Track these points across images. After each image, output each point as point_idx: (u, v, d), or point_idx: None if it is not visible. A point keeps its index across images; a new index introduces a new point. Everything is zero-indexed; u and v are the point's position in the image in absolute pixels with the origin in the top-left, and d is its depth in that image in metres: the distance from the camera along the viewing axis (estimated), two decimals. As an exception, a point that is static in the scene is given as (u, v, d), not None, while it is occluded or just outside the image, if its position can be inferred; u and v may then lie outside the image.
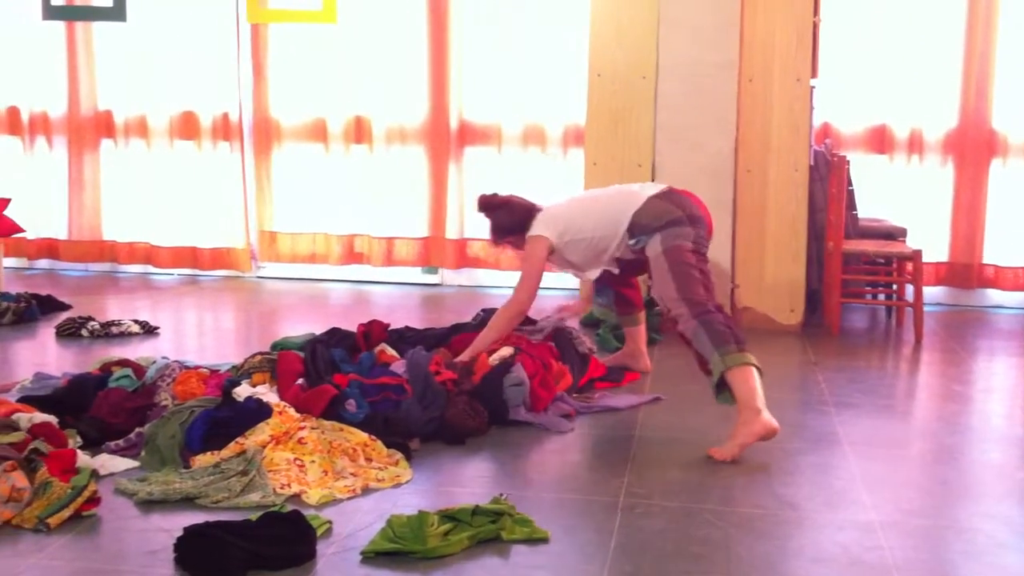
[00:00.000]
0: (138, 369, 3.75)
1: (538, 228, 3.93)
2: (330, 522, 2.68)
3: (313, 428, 3.21)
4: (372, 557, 2.51)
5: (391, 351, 3.92)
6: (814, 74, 5.17)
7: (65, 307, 5.40)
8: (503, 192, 4.15)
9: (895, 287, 5.59)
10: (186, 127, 6.37)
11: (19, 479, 2.75)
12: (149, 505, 2.82)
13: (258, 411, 3.24)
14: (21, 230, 5.98)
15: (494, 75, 6.12)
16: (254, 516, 2.63)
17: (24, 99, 6.50)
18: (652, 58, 5.13)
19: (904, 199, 5.94)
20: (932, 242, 5.84)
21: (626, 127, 5.23)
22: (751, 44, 5.10)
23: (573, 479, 3.15)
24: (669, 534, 2.67)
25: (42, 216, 6.54)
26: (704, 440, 3.40)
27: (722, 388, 3.36)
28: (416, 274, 6.38)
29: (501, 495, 2.77)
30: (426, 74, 6.13)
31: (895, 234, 5.55)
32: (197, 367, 3.80)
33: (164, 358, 3.88)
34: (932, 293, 5.93)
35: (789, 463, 3.26)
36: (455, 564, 2.48)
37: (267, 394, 3.41)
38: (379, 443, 3.22)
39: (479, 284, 6.27)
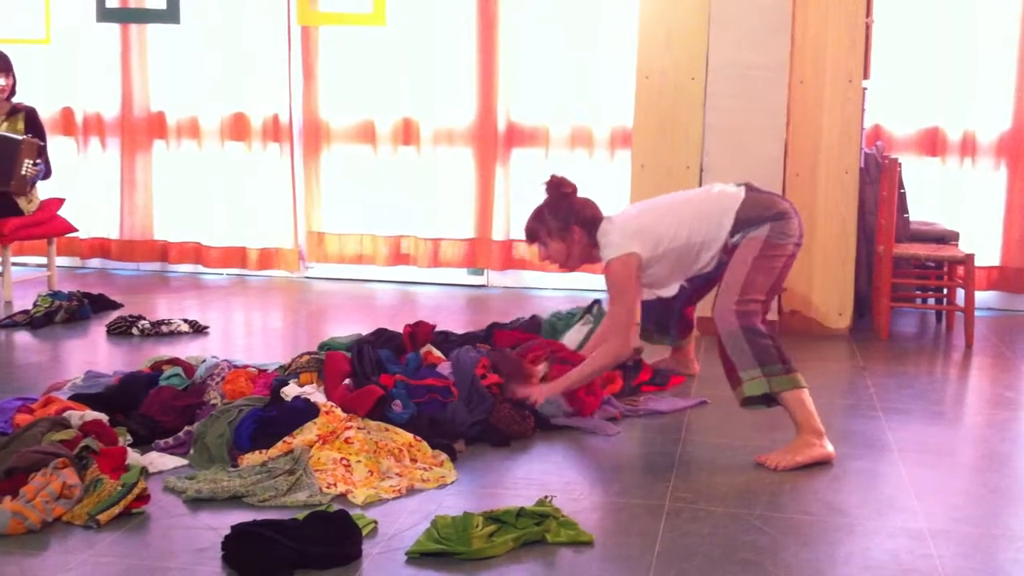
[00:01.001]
0: (188, 368, 3.79)
1: (625, 244, 3.47)
2: (375, 522, 2.69)
3: (359, 428, 3.22)
4: (417, 558, 2.52)
5: (437, 352, 3.93)
6: (866, 75, 5.11)
7: (116, 306, 5.48)
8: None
9: (946, 291, 5.52)
10: (237, 128, 6.43)
11: (70, 476, 2.79)
12: (197, 503, 2.85)
13: (305, 411, 3.26)
14: (74, 229, 6.09)
15: (542, 77, 6.12)
16: (301, 515, 2.65)
17: (78, 100, 6.60)
18: (701, 60, 5.10)
19: (956, 202, 5.86)
20: (984, 246, 5.75)
21: (674, 129, 5.20)
22: (802, 45, 5.06)
23: (619, 482, 3.14)
24: (715, 539, 2.65)
25: (95, 216, 6.63)
26: (751, 445, 3.37)
27: (753, 403, 3.29)
28: (462, 275, 6.40)
29: (546, 497, 2.77)
30: (474, 76, 6.15)
31: (947, 238, 5.48)
32: (246, 367, 3.84)
33: (214, 357, 3.93)
34: (983, 298, 5.84)
35: (837, 469, 3.22)
36: (499, 566, 2.48)
37: (314, 394, 3.43)
38: (424, 444, 3.23)
39: (525, 286, 6.27)
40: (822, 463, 3.24)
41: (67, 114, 6.63)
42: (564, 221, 3.58)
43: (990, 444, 3.54)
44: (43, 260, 6.11)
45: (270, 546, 2.49)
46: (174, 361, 3.87)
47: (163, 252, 6.62)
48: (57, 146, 6.47)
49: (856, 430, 3.63)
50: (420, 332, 4.12)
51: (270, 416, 3.26)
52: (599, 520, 2.75)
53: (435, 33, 6.15)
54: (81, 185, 6.61)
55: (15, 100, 5.84)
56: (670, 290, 3.68)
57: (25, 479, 2.80)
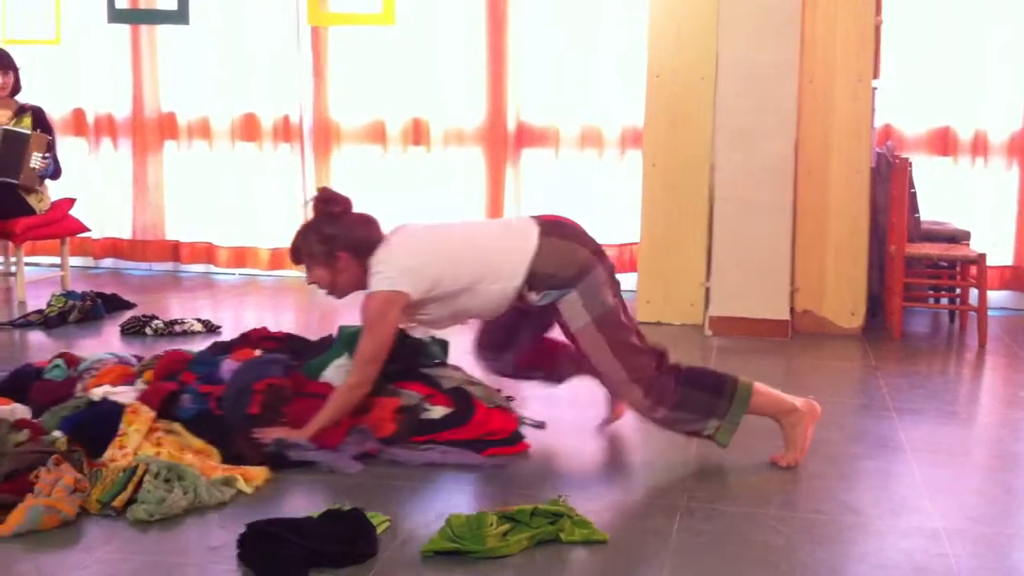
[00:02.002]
0: (72, 360, 3.77)
1: (395, 280, 3.04)
2: (389, 520, 2.70)
3: (167, 430, 3.16)
4: (431, 556, 2.52)
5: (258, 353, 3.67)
6: (876, 75, 5.11)
7: (130, 305, 5.49)
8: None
9: (958, 291, 5.51)
10: (247, 129, 6.45)
11: (72, 471, 2.81)
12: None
13: (110, 412, 3.18)
14: (86, 229, 6.11)
15: (551, 76, 6.12)
16: (315, 514, 2.66)
17: (90, 101, 6.62)
18: (711, 59, 5.10)
19: (967, 202, 5.85)
20: (996, 245, 5.74)
21: (685, 128, 5.20)
22: (812, 44, 5.05)
23: (633, 482, 3.14)
24: (730, 539, 2.65)
25: (107, 216, 6.65)
26: (765, 444, 3.37)
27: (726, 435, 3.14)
28: (473, 275, 6.40)
29: (560, 496, 2.77)
30: (484, 75, 6.15)
31: (958, 237, 5.47)
32: (127, 362, 3.78)
33: (110, 354, 3.85)
34: (996, 297, 5.83)
35: (851, 468, 3.22)
36: (514, 565, 2.49)
37: (123, 393, 3.35)
38: (215, 450, 3.11)
39: (535, 285, 6.27)
40: (818, 419, 3.22)
41: (78, 115, 6.65)
42: (329, 246, 3.15)
43: (1004, 444, 3.53)
44: (56, 260, 6.14)
45: (285, 545, 2.49)
46: (62, 354, 3.85)
47: (175, 252, 6.64)
48: (68, 147, 6.49)
49: (869, 430, 3.62)
50: (253, 335, 3.94)
51: (81, 418, 3.19)
52: (613, 519, 2.75)
53: (444, 33, 6.16)
54: (93, 185, 6.63)
55: (22, 100, 5.86)
56: (446, 332, 3.46)
57: (27, 479, 2.80)
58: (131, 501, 2.77)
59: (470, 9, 6.11)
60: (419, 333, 3.52)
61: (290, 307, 5.81)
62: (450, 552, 2.52)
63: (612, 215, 6.02)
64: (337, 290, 3.23)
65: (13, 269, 5.80)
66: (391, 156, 6.33)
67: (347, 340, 3.53)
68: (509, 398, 3.64)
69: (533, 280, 3.06)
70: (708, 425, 3.10)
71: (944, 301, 5.68)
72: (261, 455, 3.08)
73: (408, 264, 3.08)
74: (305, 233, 3.24)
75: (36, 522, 2.66)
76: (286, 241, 6.29)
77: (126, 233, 6.66)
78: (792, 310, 5.13)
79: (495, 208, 6.21)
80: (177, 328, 4.92)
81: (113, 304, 5.44)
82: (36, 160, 5.59)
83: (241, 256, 6.53)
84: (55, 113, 6.29)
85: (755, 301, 5.03)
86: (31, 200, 5.70)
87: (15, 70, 5.78)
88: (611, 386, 3.20)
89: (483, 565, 2.48)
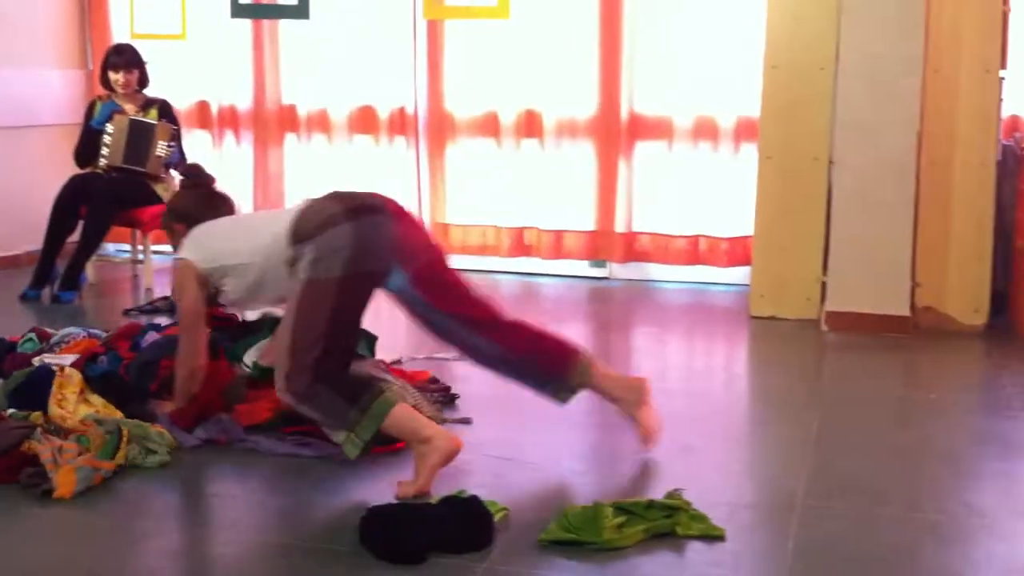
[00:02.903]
0: (43, 335, 4.03)
1: (187, 249, 3.15)
2: (507, 509, 2.73)
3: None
4: (547, 546, 2.55)
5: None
6: (1003, 65, 4.95)
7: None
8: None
9: (1089, 289, 5.30)
10: (364, 121, 6.56)
11: (56, 439, 3.01)
12: (327, 482, 2.93)
13: (45, 375, 3.41)
14: (210, 219, 6.29)
15: (665, 67, 6.06)
16: (434, 500, 2.71)
17: (213, 94, 6.81)
18: (831, 49, 5.00)
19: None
20: None
21: (802, 120, 5.12)
22: (937, 34, 4.91)
23: (748, 478, 3.12)
24: (850, 538, 2.62)
25: (229, 206, 6.84)
26: (885, 441, 3.31)
27: (362, 454, 2.92)
28: (584, 267, 6.40)
29: (676, 490, 2.77)
30: (596, 66, 6.14)
31: (1090, 233, 5.26)
32: (96, 336, 4.01)
33: (81, 328, 4.11)
34: None
35: (974, 469, 3.15)
36: (630, 557, 2.50)
37: (67, 359, 3.65)
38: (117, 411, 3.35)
39: (647, 278, 6.24)
40: (454, 455, 2.89)
41: (203, 107, 6.84)
42: (171, 216, 3.41)
43: None
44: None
45: (405, 528, 2.55)
46: (35, 329, 4.08)
47: (293, 242, 6.78)
48: (194, 140, 6.68)
49: (993, 430, 3.53)
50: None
51: (23, 383, 3.43)
52: (730, 515, 2.73)
53: (557, 23, 6.16)
54: (216, 176, 6.80)
55: (150, 94, 6.06)
56: (254, 312, 3.55)
57: (21, 453, 2.96)
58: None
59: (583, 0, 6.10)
60: (253, 316, 3.73)
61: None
62: (566, 542, 2.55)
63: (725, 208, 5.96)
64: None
65: (141, 257, 6.03)
66: (504, 147, 6.36)
67: (271, 323, 3.66)
68: (452, 397, 3.70)
69: (295, 241, 2.97)
70: (338, 434, 2.90)
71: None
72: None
73: (196, 235, 3.19)
74: (171, 199, 3.63)
75: (88, 481, 2.86)
76: (400, 232, 6.47)
77: (247, 223, 6.84)
78: (913, 306, 5.01)
79: (607, 199, 6.18)
80: (296, 316, 5.03)
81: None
82: (162, 149, 5.80)
83: (356, 246, 6.64)
84: (180, 106, 6.48)
85: (874, 296, 4.92)
86: (158, 189, 5.91)
87: (140, 67, 5.98)
88: (276, 353, 2.98)
89: (599, 556, 2.50)
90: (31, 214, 5.94)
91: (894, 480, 3.03)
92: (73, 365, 3.55)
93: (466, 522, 2.59)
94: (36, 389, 3.36)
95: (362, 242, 2.91)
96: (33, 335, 4.04)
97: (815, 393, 3.94)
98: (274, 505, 2.85)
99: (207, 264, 3.11)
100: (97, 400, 3.36)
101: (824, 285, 5.07)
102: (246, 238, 3.11)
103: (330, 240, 2.90)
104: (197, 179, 3.49)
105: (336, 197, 3.07)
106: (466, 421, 3.53)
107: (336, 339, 2.89)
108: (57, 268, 5.59)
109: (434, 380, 3.87)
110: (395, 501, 2.75)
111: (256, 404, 3.34)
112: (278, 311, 3.45)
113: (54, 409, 3.26)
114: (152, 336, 3.76)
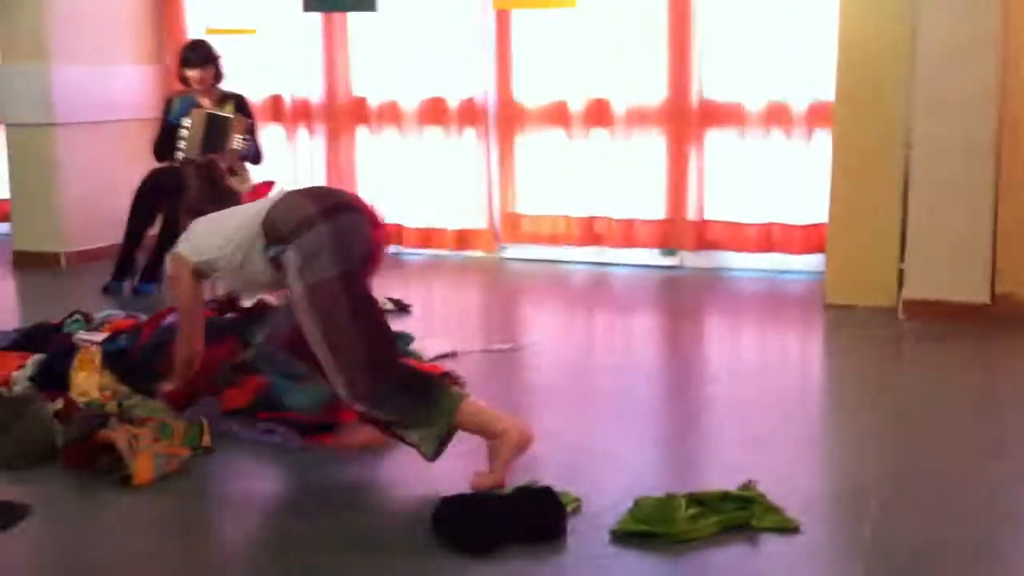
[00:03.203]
0: (87, 317, 4.31)
1: (180, 243, 3.21)
2: (580, 500, 2.74)
3: None
4: (620, 536, 2.55)
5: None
6: (1088, 43, 4.80)
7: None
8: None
9: None
10: (434, 112, 6.59)
11: (130, 427, 3.10)
12: (391, 474, 2.96)
13: (67, 350, 3.70)
14: (284, 212, 6.39)
15: (736, 52, 5.99)
16: (507, 490, 2.73)
17: (286, 87, 6.90)
18: (907, 31, 4.90)
19: None
20: None
21: (878, 104, 5.02)
22: (1018, 15, 4.79)
23: (823, 471, 3.10)
24: (927, 530, 2.58)
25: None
26: (963, 432, 3.25)
27: (439, 452, 2.89)
28: (655, 256, 6.37)
29: (750, 481, 2.75)
30: (665, 52, 6.09)
31: None
32: (136, 316, 4.28)
33: (121, 311, 4.44)
34: None
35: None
36: (704, 549, 2.49)
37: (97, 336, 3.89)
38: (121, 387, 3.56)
39: (719, 267, 6.19)
40: (527, 446, 2.88)
41: (276, 101, 6.94)
42: (184, 207, 3.46)
43: None
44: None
45: (479, 518, 2.58)
46: (78, 311, 4.38)
47: (365, 233, 6.85)
48: (268, 133, 6.77)
49: (1078, 420, 3.45)
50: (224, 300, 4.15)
51: (48, 359, 3.72)
52: (803, 508, 2.70)
53: (626, 10, 6.12)
54: (290, 169, 6.91)
55: (225, 89, 6.16)
56: (249, 299, 3.75)
57: (96, 441, 3.04)
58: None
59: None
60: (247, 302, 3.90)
61: (476, 286, 5.93)
62: (639, 534, 2.55)
63: (798, 194, 5.88)
64: None
65: (218, 249, 6.13)
66: (574, 136, 6.33)
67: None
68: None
69: (268, 234, 2.97)
70: (410, 432, 2.86)
71: None
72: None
73: (192, 228, 3.23)
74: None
75: (163, 468, 2.96)
76: (471, 222, 6.51)
77: (320, 214, 6.91)
78: (993, 293, 4.90)
79: (679, 187, 6.13)
80: (369, 306, 5.08)
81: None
82: (237, 142, 5.89)
83: (428, 236, 6.70)
84: (254, 100, 6.57)
85: (953, 283, 4.82)
86: (233, 182, 6.00)
87: (214, 62, 6.07)
88: (324, 371, 2.92)
89: (672, 548, 2.50)
90: (111, 209, 6.08)
91: (972, 471, 2.98)
92: (100, 343, 3.78)
93: (539, 512, 2.61)
94: (61, 365, 3.61)
95: (340, 240, 2.91)
96: (79, 316, 4.30)
97: (892, 383, 3.88)
98: (336, 494, 2.89)
99: (196, 257, 3.13)
100: (108, 375, 3.55)
101: (901, 272, 4.98)
102: (222, 231, 3.13)
103: (310, 243, 2.89)
104: (208, 173, 3.60)
105: (311, 195, 3.11)
106: None
107: (369, 331, 2.88)
108: (138, 261, 5.72)
109: (449, 375, 3.80)
110: (468, 491, 2.77)
111: (241, 389, 3.44)
112: (271, 298, 3.66)
113: (73, 382, 3.48)
114: (173, 318, 3.87)
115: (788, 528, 2.58)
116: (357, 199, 3.19)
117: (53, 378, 3.57)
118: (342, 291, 2.87)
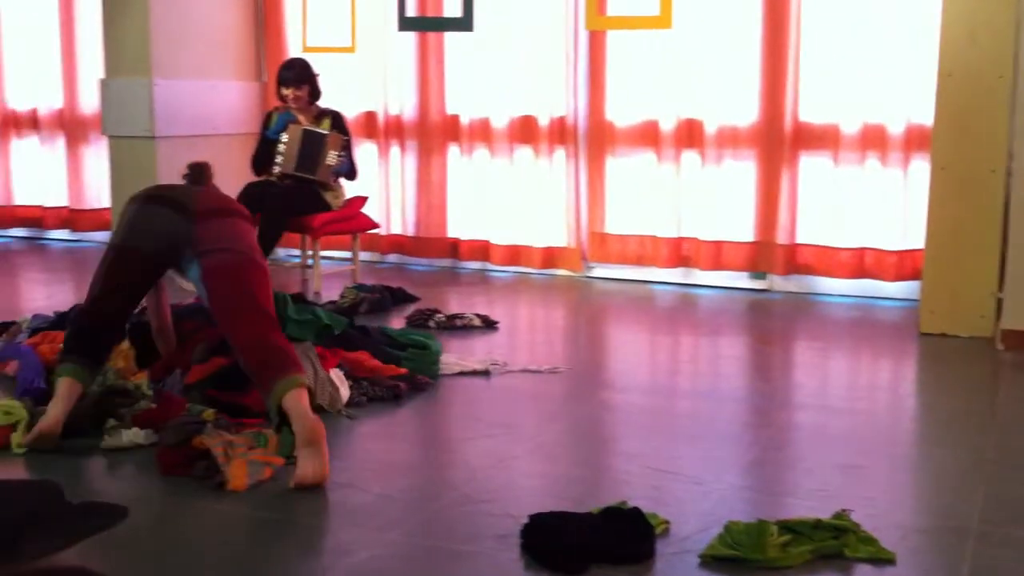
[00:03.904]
0: None
1: None
2: (668, 522, 2.73)
3: None
4: (710, 561, 2.53)
5: None
6: None
7: (414, 299, 5.77)
8: None
9: None
10: (525, 131, 6.63)
11: (225, 434, 3.18)
12: (478, 491, 2.98)
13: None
14: (376, 226, 6.49)
15: (832, 73, 5.91)
16: (596, 510, 2.73)
17: (380, 105, 7.00)
18: (1009, 56, 4.80)
19: None
20: None
21: (978, 130, 4.92)
22: None
23: (918, 501, 3.03)
24: (1028, 567, 2.51)
25: (394, 214, 7.01)
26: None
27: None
28: (743, 279, 6.31)
29: (844, 510, 2.71)
30: (758, 73, 6.04)
31: None
32: None
33: None
34: None
35: None
36: (795, 577, 2.46)
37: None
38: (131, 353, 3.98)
39: (809, 291, 6.11)
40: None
41: (370, 118, 7.04)
42: None
43: None
44: (348, 254, 6.55)
45: (567, 538, 2.58)
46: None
47: (454, 249, 6.92)
48: (362, 150, 6.88)
49: None
50: None
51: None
52: (900, 539, 2.65)
53: (720, 31, 6.09)
54: (382, 185, 7.01)
55: (323, 105, 6.28)
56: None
57: (192, 447, 3.13)
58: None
59: (747, 7, 6.01)
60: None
61: (561, 304, 5.94)
62: (729, 559, 2.52)
63: (893, 219, 5.78)
64: None
65: (311, 262, 6.24)
66: (664, 156, 6.30)
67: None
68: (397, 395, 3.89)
69: None
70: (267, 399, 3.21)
71: None
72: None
73: None
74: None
75: (257, 475, 3.01)
76: (558, 240, 6.52)
77: (410, 230, 7.00)
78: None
79: (769, 210, 6.07)
80: (458, 322, 5.13)
81: (399, 297, 5.73)
82: (332, 158, 6.00)
83: (515, 254, 6.73)
84: (350, 115, 6.69)
85: (1054, 314, 4.70)
86: (327, 197, 6.12)
87: (310, 81, 6.20)
88: None
89: (762, 574, 2.46)
90: (208, 220, 6.21)
91: (1077, 509, 2.89)
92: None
93: (627, 534, 2.60)
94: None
95: (133, 222, 3.46)
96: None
97: (989, 415, 3.79)
98: (421, 507, 2.91)
99: None
100: (125, 346, 3.85)
101: (1000, 301, 4.87)
102: None
103: (122, 213, 3.52)
104: (191, 175, 3.83)
105: (161, 185, 3.82)
106: (352, 417, 3.67)
107: (103, 296, 3.44)
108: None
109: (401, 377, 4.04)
110: (557, 510, 2.77)
111: (205, 366, 3.72)
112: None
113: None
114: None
115: (883, 559, 2.53)
116: (195, 196, 3.56)
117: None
118: (109, 258, 3.47)
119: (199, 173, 3.78)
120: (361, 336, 4.28)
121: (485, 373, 4.27)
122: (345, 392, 3.78)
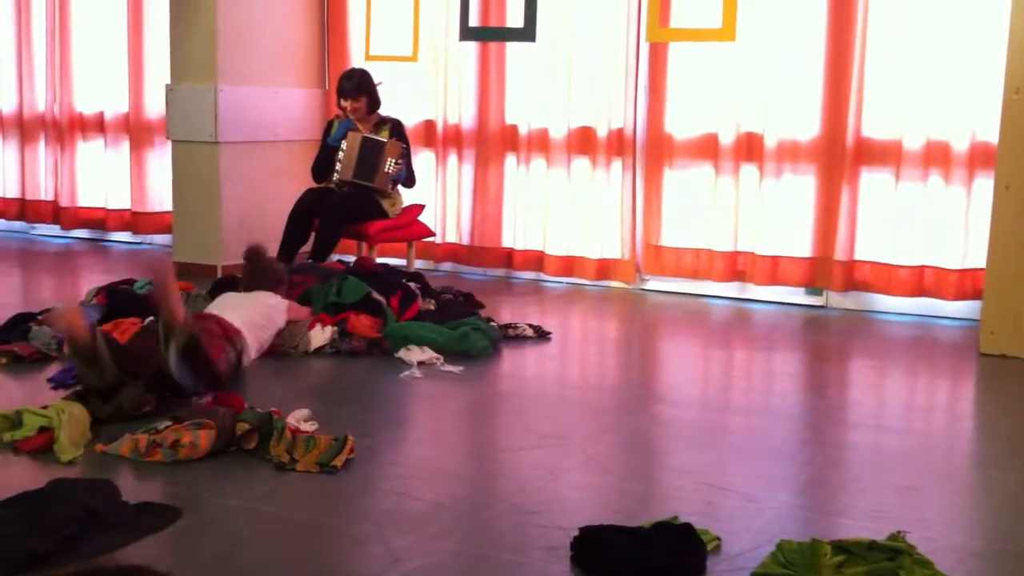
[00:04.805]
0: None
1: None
2: (719, 539, 2.71)
3: None
4: (762, 580, 2.51)
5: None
6: None
7: (480, 306, 5.71)
8: None
9: None
10: (583, 142, 6.63)
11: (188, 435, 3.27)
12: (528, 502, 2.98)
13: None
14: (432, 234, 6.53)
15: (896, 88, 5.85)
16: (647, 524, 2.72)
17: (439, 113, 7.04)
18: (1080, 74, 4.72)
19: None
20: None
21: (1045, 149, 4.84)
22: None
23: (975, 524, 2.98)
24: (1089, 596, 2.47)
25: (449, 222, 7.04)
26: None
27: None
28: (800, 295, 6.25)
29: (899, 532, 2.67)
30: (820, 87, 6.00)
31: None
32: None
33: None
34: None
35: None
36: (848, 598, 2.43)
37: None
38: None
39: (867, 308, 6.04)
40: None
41: (429, 126, 7.09)
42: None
43: None
44: (403, 261, 6.59)
45: (617, 552, 2.57)
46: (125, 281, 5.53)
47: (508, 259, 6.93)
48: (421, 158, 6.92)
49: None
50: None
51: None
52: (957, 563, 2.61)
53: (783, 44, 6.05)
54: (439, 193, 7.04)
55: (383, 113, 6.34)
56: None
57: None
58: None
59: (812, 19, 5.97)
60: None
61: (615, 316, 5.93)
62: (781, 577, 2.50)
63: (954, 237, 5.70)
64: None
65: (366, 268, 6.28)
66: (722, 170, 6.27)
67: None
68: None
69: None
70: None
71: None
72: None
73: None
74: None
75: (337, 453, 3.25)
76: (613, 252, 6.51)
77: (465, 239, 7.02)
78: None
79: (828, 226, 6.01)
80: (511, 332, 5.12)
81: (469, 303, 5.70)
82: (390, 166, 6.05)
83: (569, 265, 6.73)
84: (409, 124, 6.74)
85: (1120, 338, 4.60)
86: (384, 204, 6.17)
87: (368, 92, 6.25)
88: None
89: (815, 595, 2.44)
90: (267, 225, 6.31)
91: None
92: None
93: (679, 549, 2.59)
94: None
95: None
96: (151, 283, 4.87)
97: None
98: (469, 516, 2.92)
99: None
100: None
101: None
102: None
103: None
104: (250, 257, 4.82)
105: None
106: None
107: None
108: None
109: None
110: (607, 523, 2.77)
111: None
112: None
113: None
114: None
115: (939, 584, 2.49)
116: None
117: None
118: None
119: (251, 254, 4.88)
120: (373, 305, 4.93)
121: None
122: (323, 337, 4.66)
